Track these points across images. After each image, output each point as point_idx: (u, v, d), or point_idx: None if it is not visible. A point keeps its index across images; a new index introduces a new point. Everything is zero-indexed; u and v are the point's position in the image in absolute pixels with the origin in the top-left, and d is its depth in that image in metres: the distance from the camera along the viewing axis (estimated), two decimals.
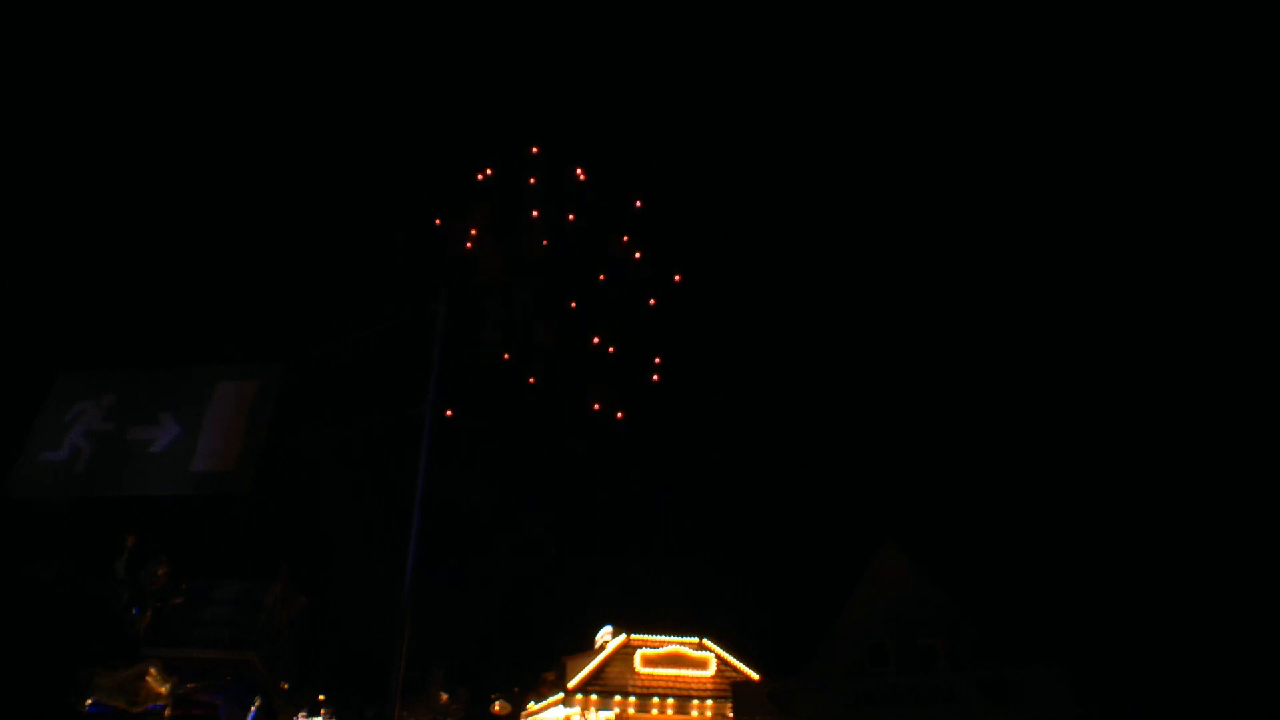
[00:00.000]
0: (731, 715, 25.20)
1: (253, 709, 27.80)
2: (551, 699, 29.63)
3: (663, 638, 28.99)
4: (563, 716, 28.65)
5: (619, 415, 41.75)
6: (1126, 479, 33.80)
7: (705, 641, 29.10)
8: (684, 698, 27.48)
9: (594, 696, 27.33)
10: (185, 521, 26.60)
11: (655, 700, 27.29)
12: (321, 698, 36.51)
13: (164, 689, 21.12)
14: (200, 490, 13.18)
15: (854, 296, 48.30)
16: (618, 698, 27.32)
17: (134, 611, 22.39)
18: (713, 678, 28.18)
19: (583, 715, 27.46)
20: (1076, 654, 23.70)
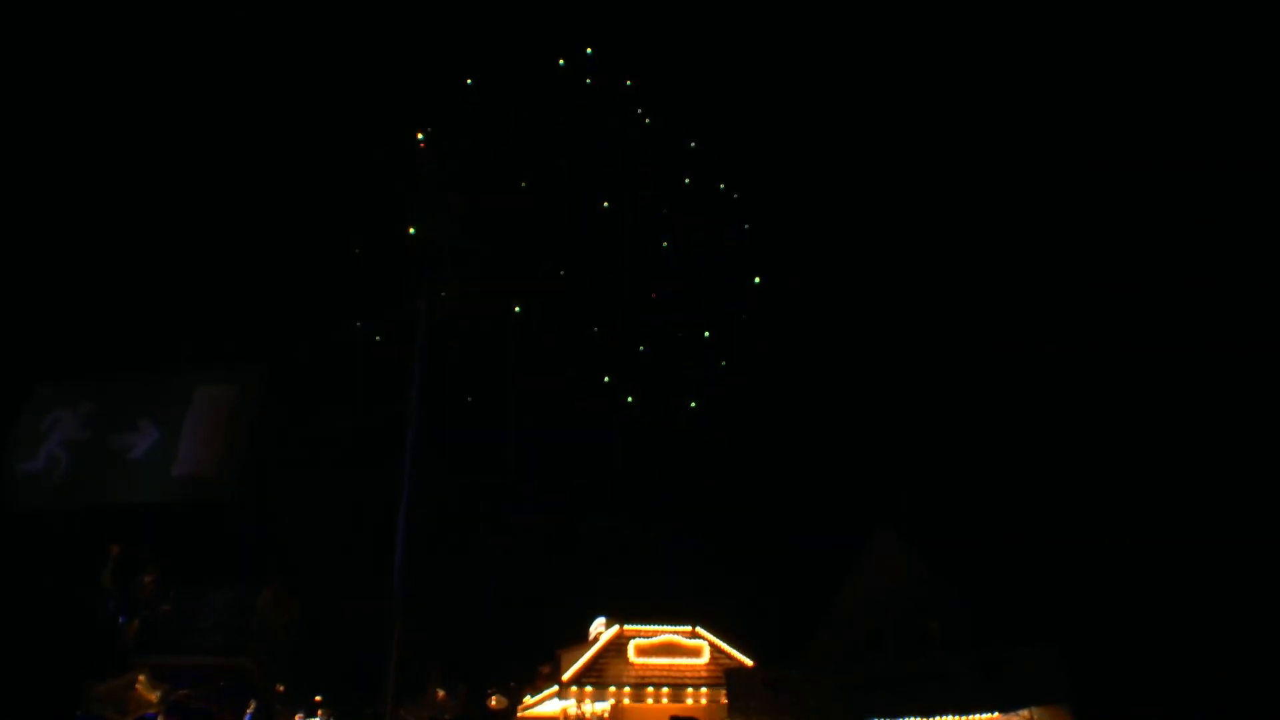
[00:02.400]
0: (726, 702, 25.26)
1: (248, 712, 27.80)
2: (547, 691, 29.67)
3: (656, 627, 29.03)
4: (559, 709, 28.68)
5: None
6: (1119, 458, 33.94)
7: (698, 630, 29.16)
8: (678, 686, 27.53)
9: (588, 688, 27.36)
10: (174, 530, 26.51)
11: (650, 690, 27.34)
12: (318, 698, 36.49)
13: (154, 696, 21.08)
14: (183, 496, 12.99)
15: (847, 283, 48.28)
16: (612, 688, 27.36)
17: (121, 621, 22.33)
18: (707, 665, 28.23)
19: (578, 707, 27.49)
20: (1070, 632, 23.78)
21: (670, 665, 28.20)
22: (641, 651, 28.35)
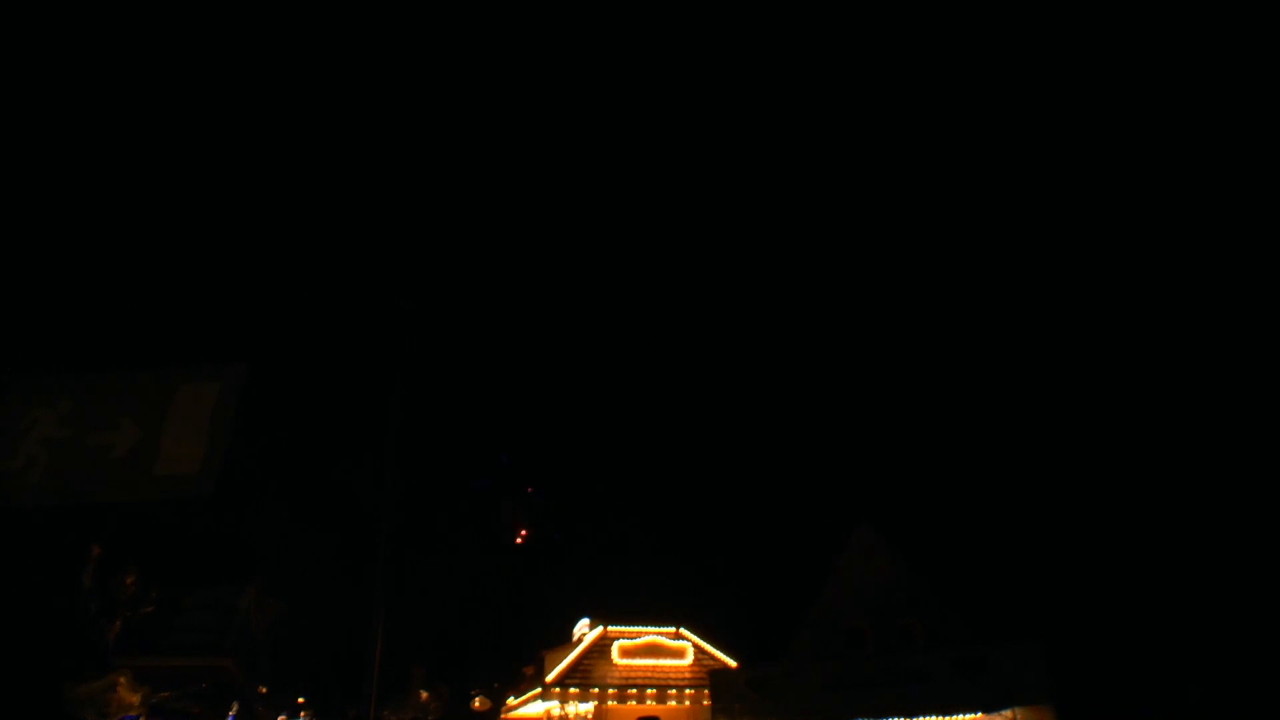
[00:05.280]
0: (709, 703, 25.26)
1: (230, 714, 27.63)
2: (531, 693, 29.62)
3: (640, 628, 29.00)
4: (542, 710, 28.63)
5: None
6: (1096, 457, 34.10)
7: (682, 630, 29.15)
8: (662, 687, 27.50)
9: (572, 689, 27.31)
10: (155, 529, 26.34)
11: (633, 690, 27.30)
12: (301, 700, 36.35)
13: (135, 698, 20.91)
14: (163, 495, 12.88)
15: (824, 283, 48.49)
16: (596, 689, 27.31)
17: (102, 622, 22.15)
18: (690, 666, 28.22)
19: (562, 708, 27.44)
20: (1049, 629, 23.89)
21: (654, 666, 28.18)
22: (625, 653, 28.32)
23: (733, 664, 28.22)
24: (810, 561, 32.45)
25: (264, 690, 31.87)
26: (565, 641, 30.54)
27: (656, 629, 29.05)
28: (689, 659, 28.44)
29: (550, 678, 27.69)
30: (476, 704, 35.31)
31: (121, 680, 20.68)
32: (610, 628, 29.04)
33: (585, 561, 42.89)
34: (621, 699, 27.26)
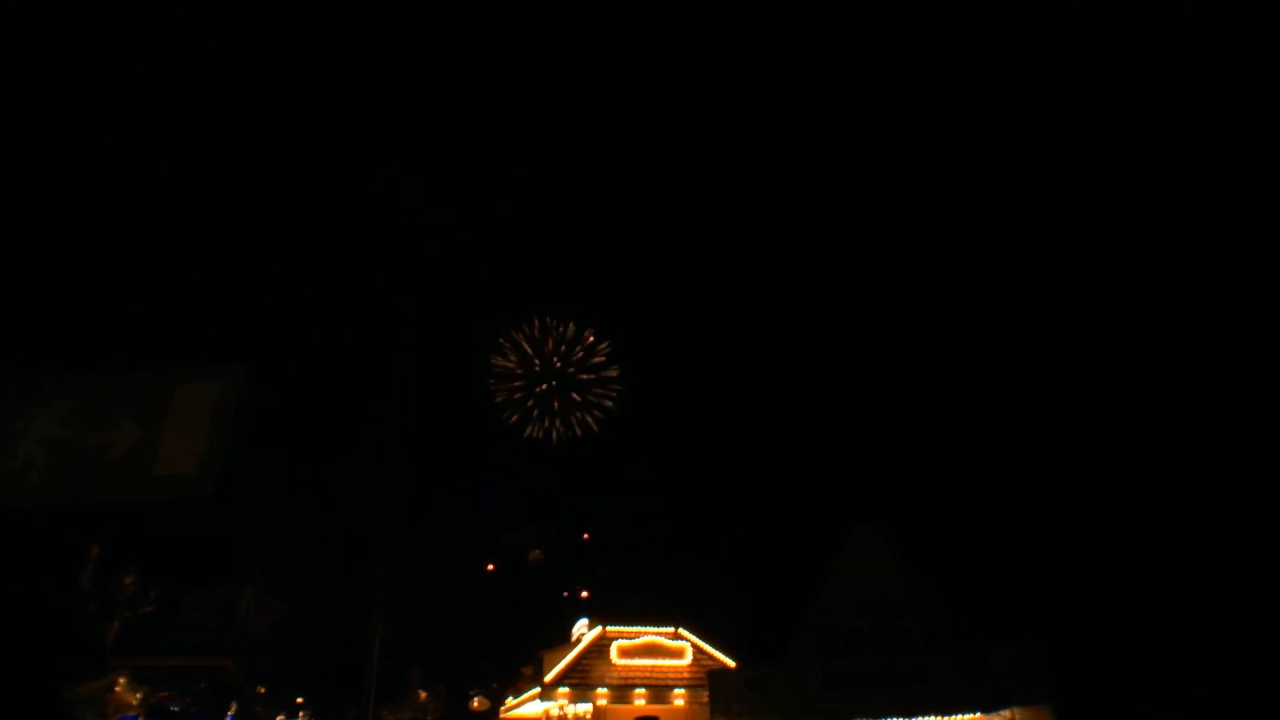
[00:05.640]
0: (708, 703, 25.24)
1: (229, 714, 27.63)
2: (529, 693, 29.60)
3: (638, 628, 28.94)
4: (541, 710, 28.60)
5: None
6: (1096, 458, 34.10)
7: (681, 630, 29.09)
8: (660, 687, 27.47)
9: (571, 689, 27.29)
10: (155, 529, 26.34)
11: (632, 690, 27.28)
12: (299, 700, 36.37)
13: (134, 699, 20.90)
14: (162, 495, 12.85)
15: (823, 284, 48.52)
16: (595, 689, 27.30)
17: (101, 622, 22.14)
18: (689, 666, 28.18)
19: (560, 708, 27.43)
20: (1049, 629, 23.89)
21: (653, 666, 28.15)
22: (624, 653, 28.28)
23: (732, 664, 28.19)
24: (810, 562, 32.45)
25: (263, 690, 31.90)
26: (564, 641, 30.52)
27: (656, 629, 29.00)
28: (688, 659, 28.41)
29: (549, 678, 27.67)
30: (475, 704, 35.33)
31: (120, 680, 20.67)
32: (609, 628, 28.99)
33: (585, 561, 42.90)
34: (620, 699, 27.23)
